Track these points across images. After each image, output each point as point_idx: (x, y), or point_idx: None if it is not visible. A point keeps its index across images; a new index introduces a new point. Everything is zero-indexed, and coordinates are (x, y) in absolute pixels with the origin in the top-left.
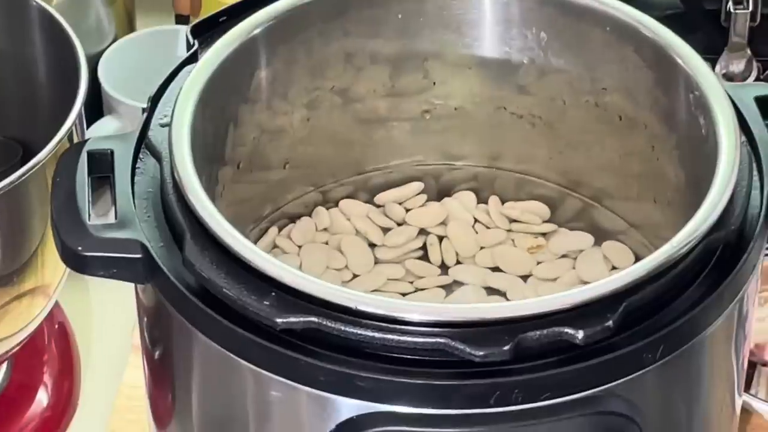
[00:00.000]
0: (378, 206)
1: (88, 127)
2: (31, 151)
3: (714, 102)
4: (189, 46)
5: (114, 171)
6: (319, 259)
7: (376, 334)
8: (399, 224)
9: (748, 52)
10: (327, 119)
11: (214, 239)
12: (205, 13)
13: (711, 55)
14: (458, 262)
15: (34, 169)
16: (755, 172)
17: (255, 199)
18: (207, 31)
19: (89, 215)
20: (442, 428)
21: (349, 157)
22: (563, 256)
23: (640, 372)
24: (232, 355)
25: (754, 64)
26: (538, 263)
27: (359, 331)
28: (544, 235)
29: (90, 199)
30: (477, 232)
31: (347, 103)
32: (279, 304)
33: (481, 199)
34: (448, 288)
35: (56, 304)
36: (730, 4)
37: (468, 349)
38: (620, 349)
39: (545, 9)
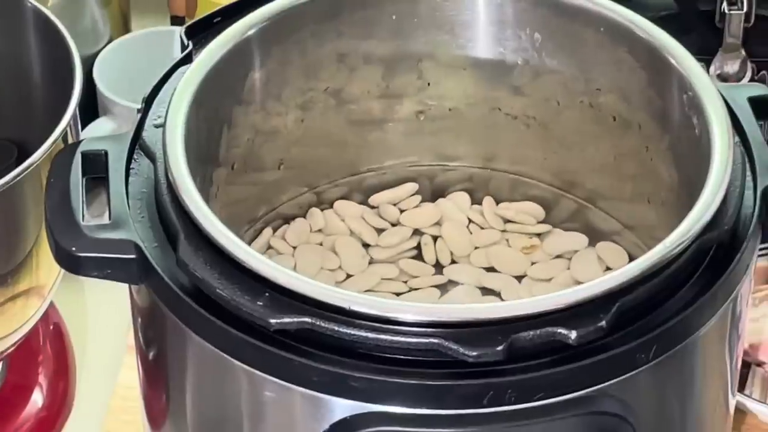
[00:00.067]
0: (372, 207)
1: (83, 128)
2: (26, 151)
3: (707, 103)
4: (183, 47)
5: (108, 172)
6: (314, 260)
7: (370, 335)
8: (393, 225)
9: (743, 52)
10: (321, 120)
11: (208, 240)
12: (201, 14)
13: (705, 56)
14: (453, 262)
15: (28, 170)
16: (748, 173)
17: (249, 200)
18: (201, 32)
19: (83, 216)
20: (435, 428)
21: (344, 158)
22: (558, 256)
23: (634, 372)
24: (225, 356)
25: (749, 65)
26: (533, 264)
27: (353, 332)
28: (538, 235)
29: (84, 199)
30: (471, 233)
31: (341, 104)
32: (272, 305)
33: (476, 200)
34: (443, 288)
35: (51, 305)
36: (725, 4)
37: (461, 350)
38: (613, 349)
39: (539, 10)
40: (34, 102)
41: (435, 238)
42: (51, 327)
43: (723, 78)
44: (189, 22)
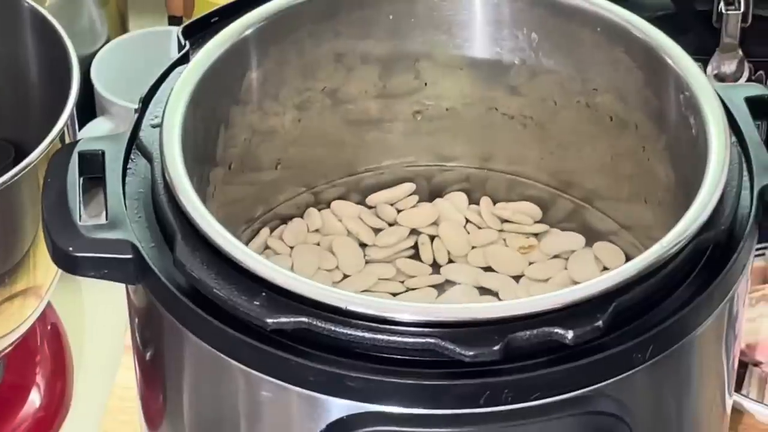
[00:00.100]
0: (370, 207)
1: (80, 128)
2: (24, 151)
3: (704, 102)
4: (180, 47)
5: (105, 172)
6: (311, 260)
7: (366, 335)
8: (390, 225)
9: (740, 52)
10: (318, 120)
11: (205, 240)
12: (198, 14)
13: (702, 55)
14: (450, 262)
15: (26, 170)
16: (745, 173)
17: (247, 200)
18: (198, 32)
19: (80, 216)
20: (432, 428)
21: (341, 158)
22: (555, 256)
23: (630, 372)
24: (222, 356)
25: (746, 64)
26: (530, 263)
27: (349, 332)
28: (535, 235)
29: (81, 199)
30: (468, 233)
31: (338, 104)
32: (269, 305)
33: (473, 200)
34: (440, 288)
35: (49, 305)
36: (722, 4)
37: (458, 349)
38: (610, 349)
39: (536, 10)
40: (32, 102)
41: (432, 238)
42: (48, 327)
43: (720, 78)
44: (186, 22)
